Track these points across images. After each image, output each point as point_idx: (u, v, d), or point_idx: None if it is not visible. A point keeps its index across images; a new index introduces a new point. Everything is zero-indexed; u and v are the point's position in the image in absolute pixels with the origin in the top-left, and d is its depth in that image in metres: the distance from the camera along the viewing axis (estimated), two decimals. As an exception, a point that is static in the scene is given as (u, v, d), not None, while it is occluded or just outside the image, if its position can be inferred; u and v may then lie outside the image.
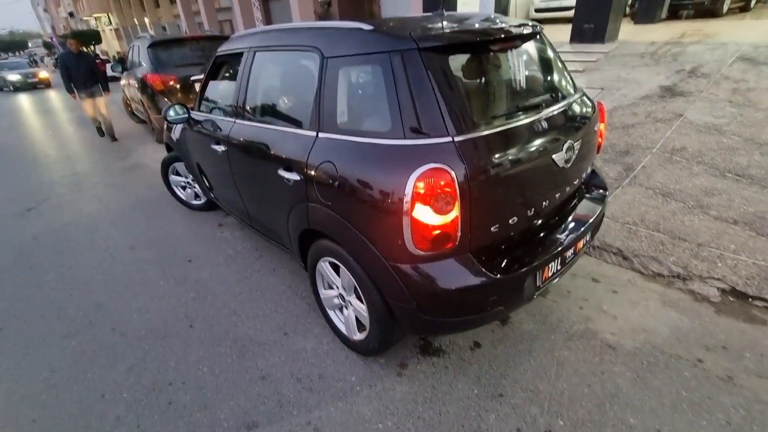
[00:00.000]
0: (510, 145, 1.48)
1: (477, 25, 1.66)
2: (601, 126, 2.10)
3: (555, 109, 1.68)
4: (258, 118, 2.16)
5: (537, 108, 1.65)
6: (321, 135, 1.68)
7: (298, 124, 1.85)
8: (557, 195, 1.72)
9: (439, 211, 1.35)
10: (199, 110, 2.84)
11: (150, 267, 2.88)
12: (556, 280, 1.78)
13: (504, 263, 1.54)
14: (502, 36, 1.61)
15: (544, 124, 1.60)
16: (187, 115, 2.83)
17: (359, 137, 1.53)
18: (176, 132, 3.26)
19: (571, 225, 1.82)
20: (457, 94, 1.44)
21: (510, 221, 1.54)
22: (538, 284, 1.66)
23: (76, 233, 3.48)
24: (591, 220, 1.87)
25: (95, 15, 33.18)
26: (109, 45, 32.65)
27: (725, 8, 8.41)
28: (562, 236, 1.74)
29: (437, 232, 1.38)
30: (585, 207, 1.95)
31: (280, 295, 2.45)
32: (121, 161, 5.65)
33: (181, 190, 3.82)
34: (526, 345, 1.95)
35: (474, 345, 1.97)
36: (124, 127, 7.58)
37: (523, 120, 1.54)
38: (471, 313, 1.53)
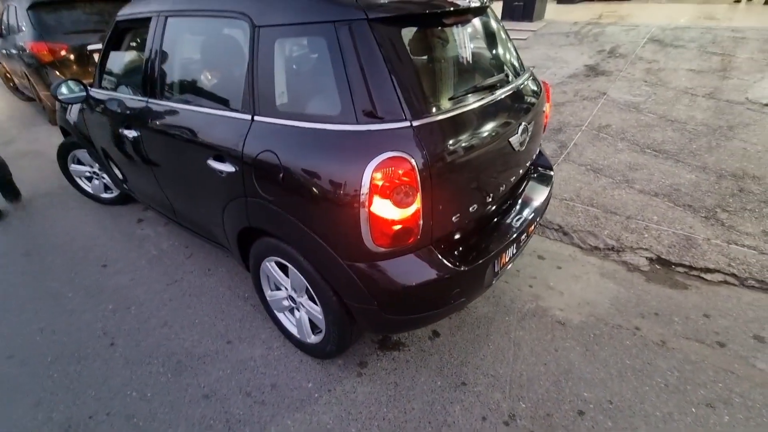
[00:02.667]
0: (470, 128, 1.39)
1: None
2: (547, 106, 2.10)
3: (508, 90, 1.62)
4: (177, 97, 1.84)
5: (492, 88, 1.57)
6: (257, 119, 1.45)
7: (227, 105, 1.59)
8: (512, 179, 1.68)
9: (400, 204, 1.23)
10: (100, 87, 2.38)
11: (54, 276, 2.43)
12: (511, 263, 1.78)
13: (465, 254, 1.47)
14: (456, 8, 1.49)
15: (500, 106, 1.54)
16: (84, 93, 2.36)
17: (304, 122, 1.34)
18: (73, 113, 2.73)
19: (524, 208, 1.81)
20: (413, 73, 1.30)
21: (470, 209, 1.47)
22: (496, 271, 1.64)
23: None
24: (541, 202, 1.88)
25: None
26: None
27: (633, -8, 9.11)
28: (517, 220, 1.72)
29: (398, 227, 1.26)
30: (534, 189, 1.95)
31: (219, 298, 2.20)
32: (4, 148, 4.71)
33: (87, 182, 3.26)
34: (484, 329, 1.96)
35: (433, 334, 1.93)
36: (7, 105, 6.37)
37: (481, 101, 1.45)
38: (435, 308, 1.46)
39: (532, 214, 1.79)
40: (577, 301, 2.10)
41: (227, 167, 1.55)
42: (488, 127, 1.45)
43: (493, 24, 1.80)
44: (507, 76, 1.68)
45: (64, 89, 2.31)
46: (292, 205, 1.39)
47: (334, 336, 1.59)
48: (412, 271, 1.35)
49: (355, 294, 1.40)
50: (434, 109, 1.31)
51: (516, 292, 2.18)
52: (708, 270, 2.24)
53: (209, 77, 1.75)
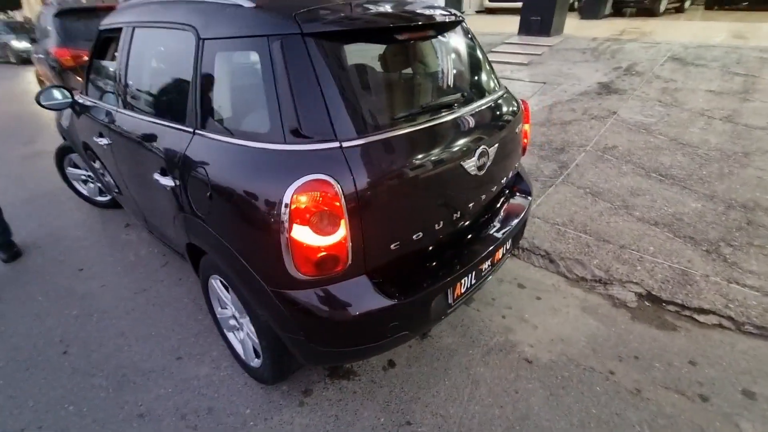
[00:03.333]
0: (411, 152, 1.30)
1: (382, 9, 1.43)
2: (526, 127, 1.98)
3: (469, 110, 1.52)
4: (138, 108, 1.83)
5: (448, 108, 1.46)
6: (198, 133, 1.41)
7: (176, 118, 1.56)
8: (470, 205, 1.57)
9: (322, 232, 1.15)
10: (86, 94, 2.43)
11: (30, 277, 2.47)
12: (471, 294, 1.66)
13: (408, 284, 1.37)
14: (411, 24, 1.41)
15: (454, 128, 1.43)
16: (69, 100, 2.41)
17: (235, 138, 1.28)
18: (65, 118, 2.81)
19: (489, 236, 1.68)
20: (348, 90, 1.23)
21: (414, 237, 1.36)
22: (450, 302, 1.52)
23: None
24: (510, 230, 1.75)
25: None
26: (33, 12, 29.06)
27: (662, 8, 8.81)
28: (478, 249, 1.60)
29: (323, 254, 1.18)
30: (505, 215, 1.82)
31: (181, 311, 2.17)
32: (23, 147, 4.94)
33: (83, 185, 3.34)
34: (443, 362, 1.83)
35: (388, 364, 1.82)
36: (38, 107, 6.69)
37: (429, 123, 1.36)
38: (370, 341, 1.36)
39: (498, 243, 1.66)
40: (550, 337, 1.94)
41: (169, 181, 1.51)
42: (435, 151, 1.35)
43: (463, 38, 1.71)
44: (469, 94, 1.58)
45: (57, 93, 2.37)
46: (220, 226, 1.34)
47: (268, 364, 1.52)
48: (340, 302, 1.26)
49: (283, 323, 1.32)
50: (370, 130, 1.22)
51: (486, 323, 2.04)
52: (702, 311, 2.03)
53: (163, 89, 1.73)
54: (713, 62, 4.79)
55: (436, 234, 1.45)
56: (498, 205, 1.84)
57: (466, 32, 1.75)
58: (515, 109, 1.83)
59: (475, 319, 2.07)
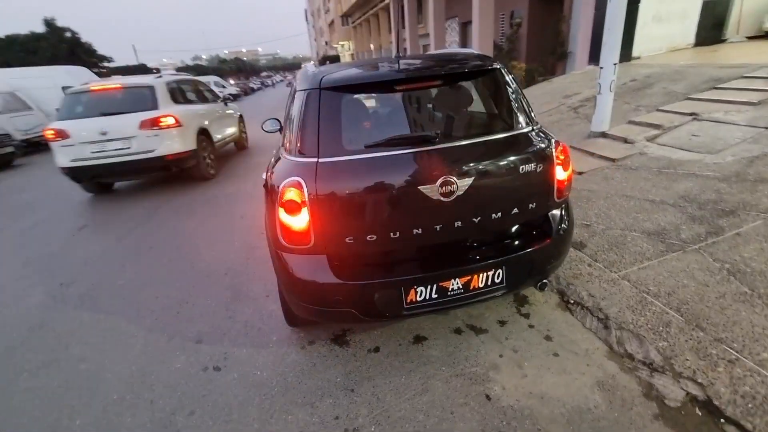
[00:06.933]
0: (367, 171, 1.73)
1: (384, 71, 1.91)
2: (559, 170, 1.96)
3: (442, 145, 1.77)
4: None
5: (426, 142, 1.79)
6: (281, 149, 2.28)
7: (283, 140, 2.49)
8: (436, 226, 1.79)
9: (291, 213, 1.76)
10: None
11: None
12: (435, 310, 1.85)
13: (353, 272, 1.79)
14: (402, 79, 1.85)
15: (416, 158, 1.75)
16: (278, 127, 3.84)
17: (284, 152, 2.06)
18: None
19: (460, 259, 1.84)
20: (334, 125, 1.81)
21: (367, 237, 1.77)
22: (405, 304, 1.82)
23: (221, 231, 5.10)
24: (493, 263, 1.83)
25: (340, 42, 42.04)
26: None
27: None
28: (439, 266, 1.81)
29: (294, 230, 1.79)
30: (495, 248, 1.90)
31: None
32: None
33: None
34: (413, 365, 2.04)
35: (374, 349, 2.19)
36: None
37: (390, 152, 1.75)
38: (320, 304, 1.85)
39: (469, 269, 1.81)
40: (531, 390, 1.82)
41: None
42: (389, 174, 1.73)
43: (473, 86, 1.95)
44: (438, 132, 1.82)
45: (270, 123, 3.86)
46: (266, 207, 2.14)
47: (282, 306, 2.21)
48: (300, 267, 1.84)
49: (278, 273, 1.99)
50: (341, 153, 1.76)
51: (480, 354, 2.07)
52: (778, 450, 1.41)
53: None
54: None
55: (391, 241, 1.79)
56: (489, 238, 1.92)
57: (493, 80, 1.97)
58: (534, 150, 1.88)
59: (472, 346, 2.13)
